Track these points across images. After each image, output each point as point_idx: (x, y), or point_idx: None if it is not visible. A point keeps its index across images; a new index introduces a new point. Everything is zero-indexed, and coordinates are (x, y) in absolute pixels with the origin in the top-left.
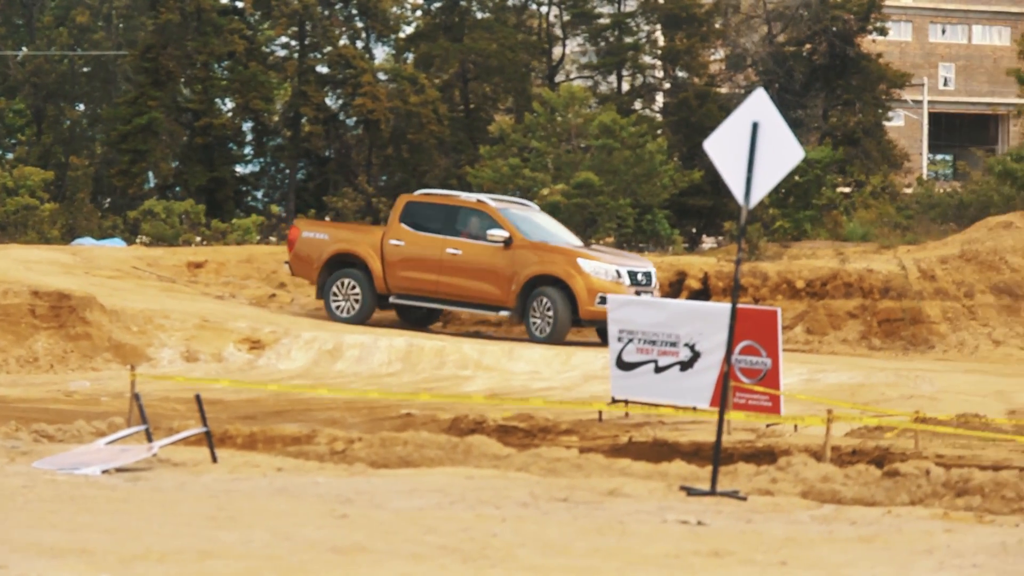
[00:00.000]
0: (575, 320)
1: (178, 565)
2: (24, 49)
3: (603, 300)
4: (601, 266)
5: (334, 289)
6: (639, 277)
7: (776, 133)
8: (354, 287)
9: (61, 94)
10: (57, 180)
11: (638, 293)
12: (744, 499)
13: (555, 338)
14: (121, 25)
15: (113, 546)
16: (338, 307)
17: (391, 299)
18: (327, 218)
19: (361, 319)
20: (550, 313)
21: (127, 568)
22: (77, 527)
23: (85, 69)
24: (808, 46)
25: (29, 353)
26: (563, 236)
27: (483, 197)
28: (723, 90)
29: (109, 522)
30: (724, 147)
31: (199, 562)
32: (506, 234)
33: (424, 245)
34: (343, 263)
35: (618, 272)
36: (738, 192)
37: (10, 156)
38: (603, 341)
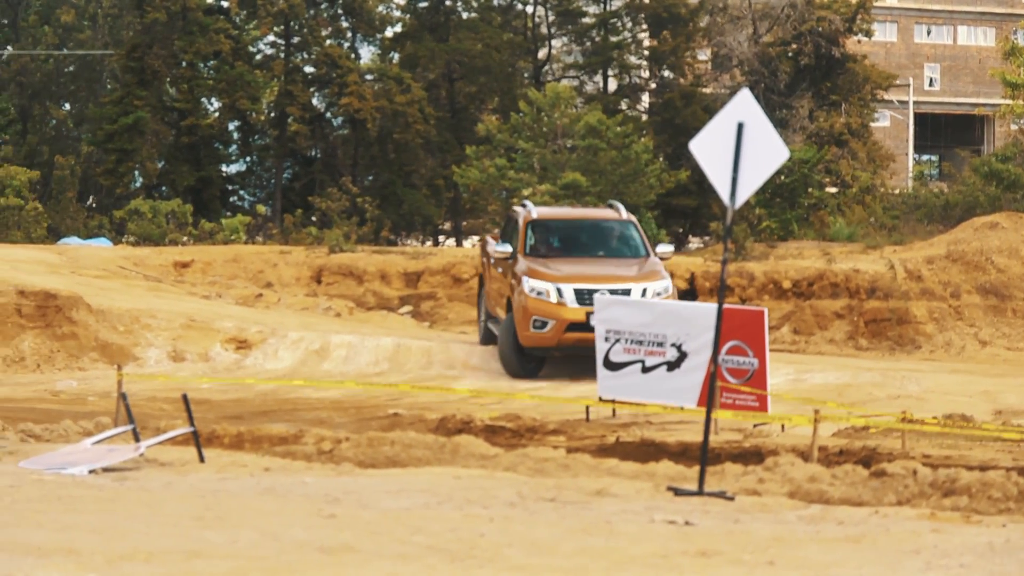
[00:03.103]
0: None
1: (165, 565)
2: (9, 48)
3: (540, 325)
4: (542, 284)
5: None
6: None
7: (761, 133)
8: None
9: (47, 93)
10: (43, 179)
11: (588, 316)
12: (732, 499)
13: (507, 369)
14: (107, 24)
15: (100, 546)
16: None
17: None
18: (313, 218)
19: None
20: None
21: (114, 568)
22: (64, 527)
23: (71, 68)
24: (794, 46)
25: (15, 353)
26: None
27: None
28: (708, 90)
29: (96, 522)
30: (710, 147)
31: (186, 562)
32: (509, 249)
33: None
34: None
35: (559, 291)
36: (724, 192)
37: None
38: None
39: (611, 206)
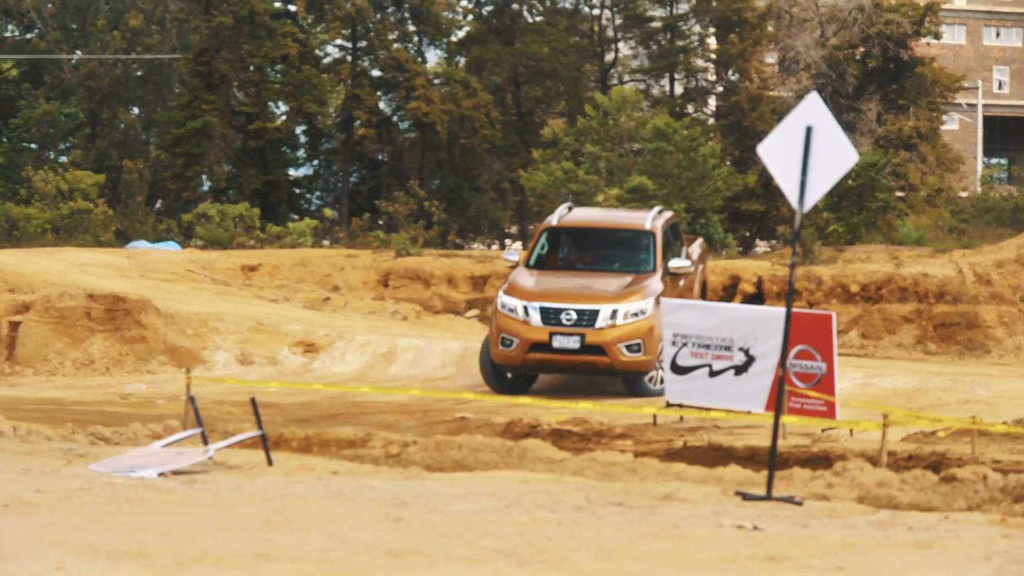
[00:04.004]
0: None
1: (234, 568)
2: (78, 53)
3: (507, 343)
4: (512, 301)
5: None
6: (564, 317)
7: (830, 137)
8: None
9: (115, 98)
10: (111, 183)
11: (552, 336)
12: (800, 504)
13: (486, 383)
14: (175, 29)
15: (169, 549)
16: None
17: None
18: (380, 222)
19: None
20: None
21: (183, 571)
22: (133, 529)
23: (139, 73)
24: (861, 49)
25: (85, 356)
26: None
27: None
28: (776, 93)
29: (165, 525)
30: (778, 151)
31: (255, 565)
32: (515, 258)
33: None
34: None
35: (526, 309)
36: (792, 196)
37: (63, 160)
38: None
39: (658, 210)
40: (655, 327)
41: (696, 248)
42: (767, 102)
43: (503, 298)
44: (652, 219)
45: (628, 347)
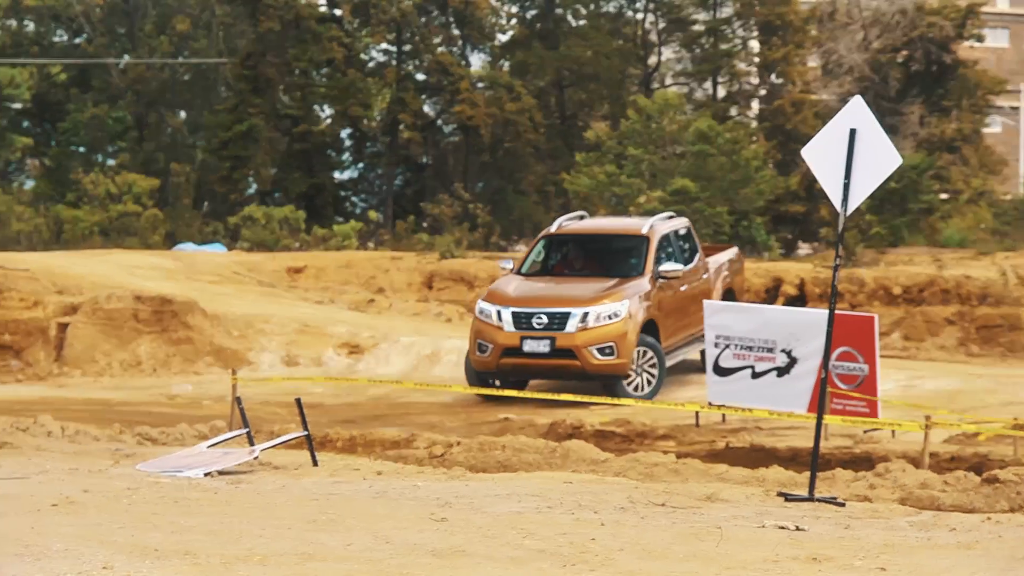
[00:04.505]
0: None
1: (279, 567)
2: (126, 57)
3: (482, 349)
4: (488, 307)
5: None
6: (535, 321)
7: (874, 140)
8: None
9: (162, 101)
10: (159, 186)
11: (522, 340)
12: (842, 505)
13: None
14: (221, 33)
15: (215, 548)
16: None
17: None
18: (424, 224)
19: None
20: None
21: (229, 570)
22: (180, 529)
23: (186, 77)
24: (904, 53)
25: (132, 357)
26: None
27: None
28: (818, 97)
29: (211, 524)
30: (822, 154)
31: (300, 565)
32: (510, 265)
33: None
34: None
35: (499, 314)
36: (836, 198)
37: (112, 163)
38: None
39: (665, 216)
40: (630, 330)
41: (723, 256)
42: (810, 105)
43: (480, 304)
44: (650, 225)
45: (600, 350)
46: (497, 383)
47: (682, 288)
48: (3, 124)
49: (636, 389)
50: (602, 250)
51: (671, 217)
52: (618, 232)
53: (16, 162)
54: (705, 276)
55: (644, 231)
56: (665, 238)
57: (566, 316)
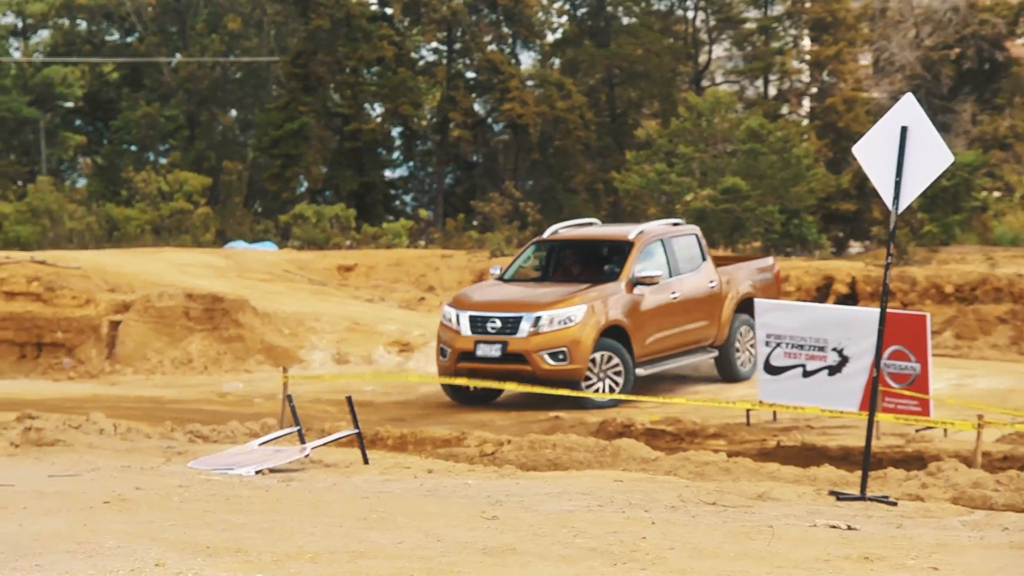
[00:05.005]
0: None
1: (331, 565)
2: (178, 56)
3: (443, 353)
4: (451, 311)
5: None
6: (489, 325)
7: (925, 137)
8: None
9: (214, 100)
10: (210, 184)
11: (476, 344)
12: (894, 504)
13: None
14: (272, 31)
15: (267, 545)
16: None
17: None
18: (474, 222)
19: None
20: None
21: (281, 567)
22: (232, 526)
23: (237, 75)
24: (956, 50)
25: (183, 355)
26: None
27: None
28: (870, 95)
29: (263, 522)
30: (873, 152)
31: (351, 562)
32: (498, 271)
33: None
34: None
35: (458, 318)
36: (887, 196)
37: (164, 161)
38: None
39: (669, 222)
40: (584, 336)
41: (747, 266)
42: (861, 103)
43: (444, 308)
44: (640, 231)
45: (552, 355)
46: (471, 388)
47: (672, 295)
48: (56, 123)
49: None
50: (588, 257)
51: (676, 224)
52: (604, 238)
53: (68, 160)
54: (712, 285)
55: (631, 237)
56: (658, 245)
57: (518, 320)
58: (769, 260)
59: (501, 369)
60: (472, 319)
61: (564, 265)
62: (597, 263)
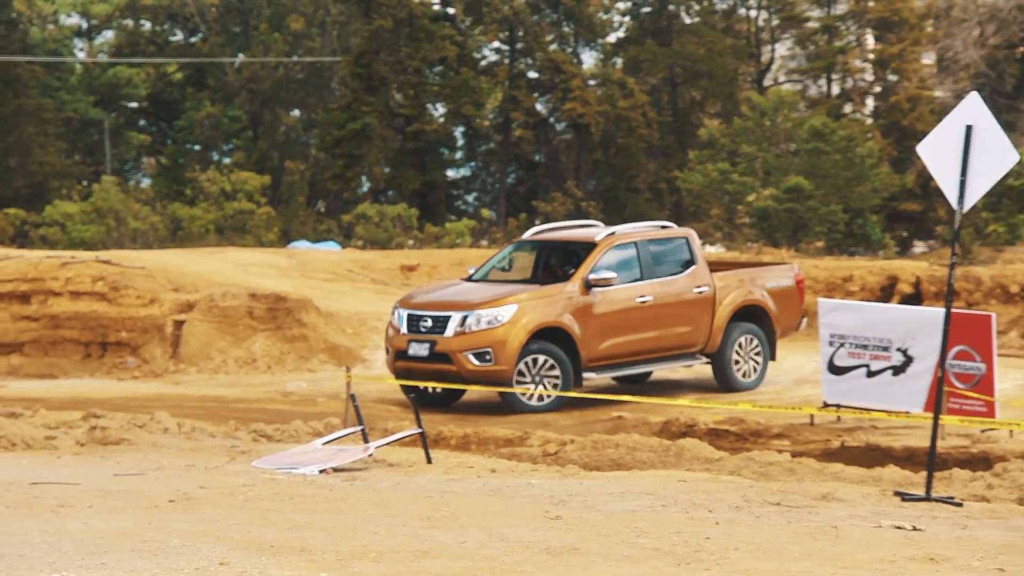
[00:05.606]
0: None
1: (395, 564)
2: (241, 56)
3: (387, 351)
4: (395, 309)
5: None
6: (421, 324)
7: (990, 136)
8: None
9: (276, 100)
10: (273, 184)
11: (409, 343)
12: (959, 505)
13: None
14: (335, 31)
15: (331, 545)
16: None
17: None
18: (537, 222)
19: None
20: None
21: (345, 567)
22: (295, 526)
23: (300, 75)
24: (1021, 49)
25: (247, 354)
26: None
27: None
28: (934, 93)
29: (327, 521)
30: (938, 150)
31: (415, 561)
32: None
33: None
34: None
35: (399, 317)
36: (951, 196)
37: (227, 161)
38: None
39: (658, 224)
40: (512, 337)
41: (757, 273)
42: (926, 102)
43: (394, 306)
44: (609, 233)
45: (476, 355)
46: (431, 389)
47: (640, 299)
48: (120, 123)
49: (531, 400)
50: (560, 258)
51: (665, 227)
52: (572, 240)
53: (133, 160)
54: (700, 290)
55: (597, 239)
56: (630, 248)
57: (447, 320)
58: (788, 267)
59: (430, 369)
60: (409, 318)
61: (540, 267)
62: (566, 265)
